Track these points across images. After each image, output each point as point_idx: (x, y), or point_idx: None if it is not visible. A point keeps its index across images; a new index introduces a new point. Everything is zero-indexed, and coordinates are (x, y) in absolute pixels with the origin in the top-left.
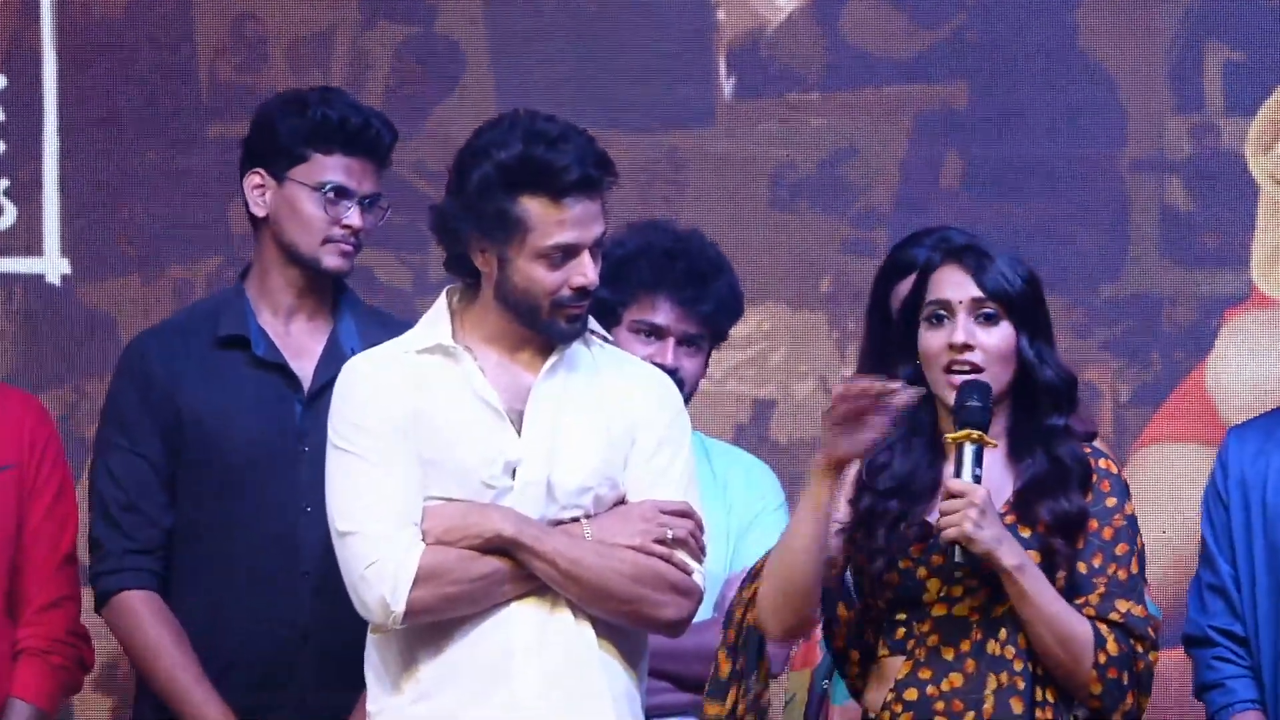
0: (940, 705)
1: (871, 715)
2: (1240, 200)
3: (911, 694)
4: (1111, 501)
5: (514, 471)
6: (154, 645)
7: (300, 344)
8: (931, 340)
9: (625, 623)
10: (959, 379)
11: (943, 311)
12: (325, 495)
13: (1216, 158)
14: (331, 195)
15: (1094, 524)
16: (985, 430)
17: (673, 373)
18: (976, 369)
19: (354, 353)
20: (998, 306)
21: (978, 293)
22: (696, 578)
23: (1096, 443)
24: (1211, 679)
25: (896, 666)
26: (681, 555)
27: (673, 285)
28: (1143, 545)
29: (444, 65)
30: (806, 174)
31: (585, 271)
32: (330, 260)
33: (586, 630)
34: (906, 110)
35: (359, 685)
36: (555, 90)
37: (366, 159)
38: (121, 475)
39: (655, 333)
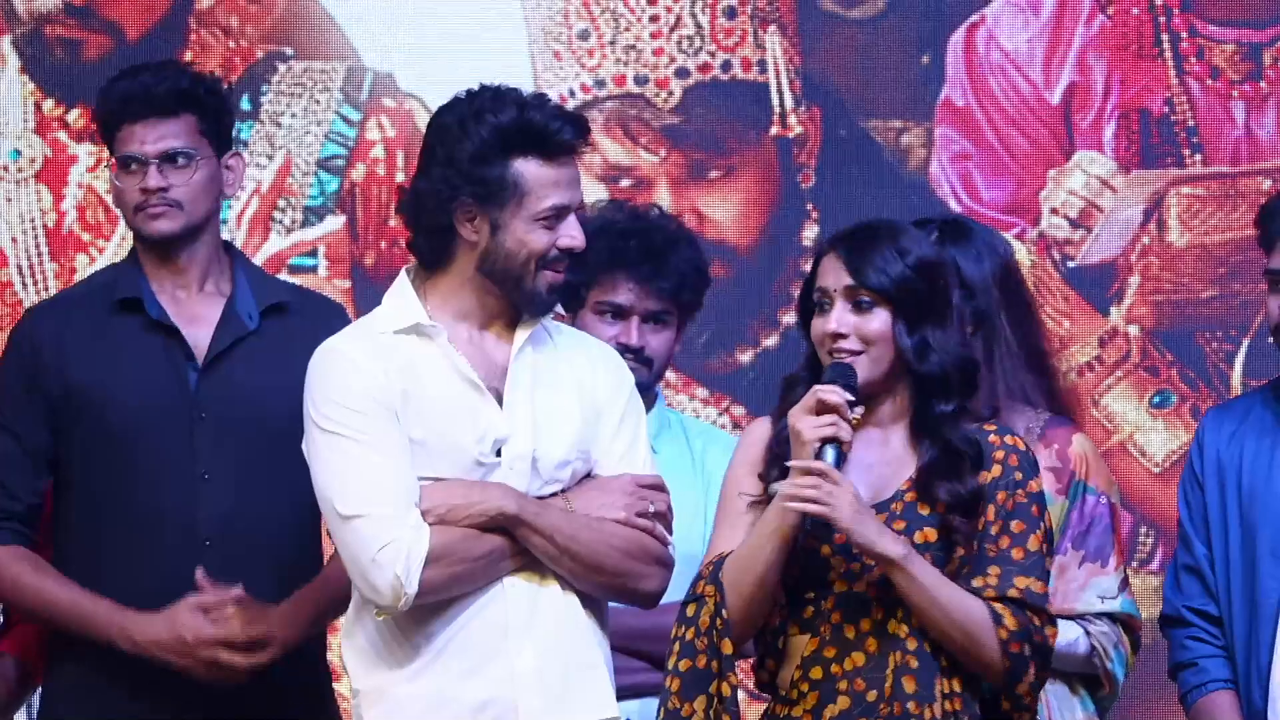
0: (844, 685)
1: (782, 693)
2: None
3: (817, 672)
4: (1018, 476)
5: (499, 449)
6: (38, 584)
7: (195, 311)
8: (816, 326)
9: (608, 595)
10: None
11: (824, 299)
12: (314, 479)
13: None
14: (123, 165)
15: (1001, 495)
16: (855, 394)
17: (638, 351)
18: (855, 354)
19: (250, 318)
20: (871, 295)
21: (850, 281)
22: (670, 550)
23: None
24: (1185, 658)
25: (804, 644)
26: (660, 529)
27: (630, 263)
28: (1050, 524)
29: None
30: None
31: (573, 233)
32: (144, 226)
33: (574, 602)
34: None
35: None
36: None
37: (151, 117)
38: None
39: (618, 313)
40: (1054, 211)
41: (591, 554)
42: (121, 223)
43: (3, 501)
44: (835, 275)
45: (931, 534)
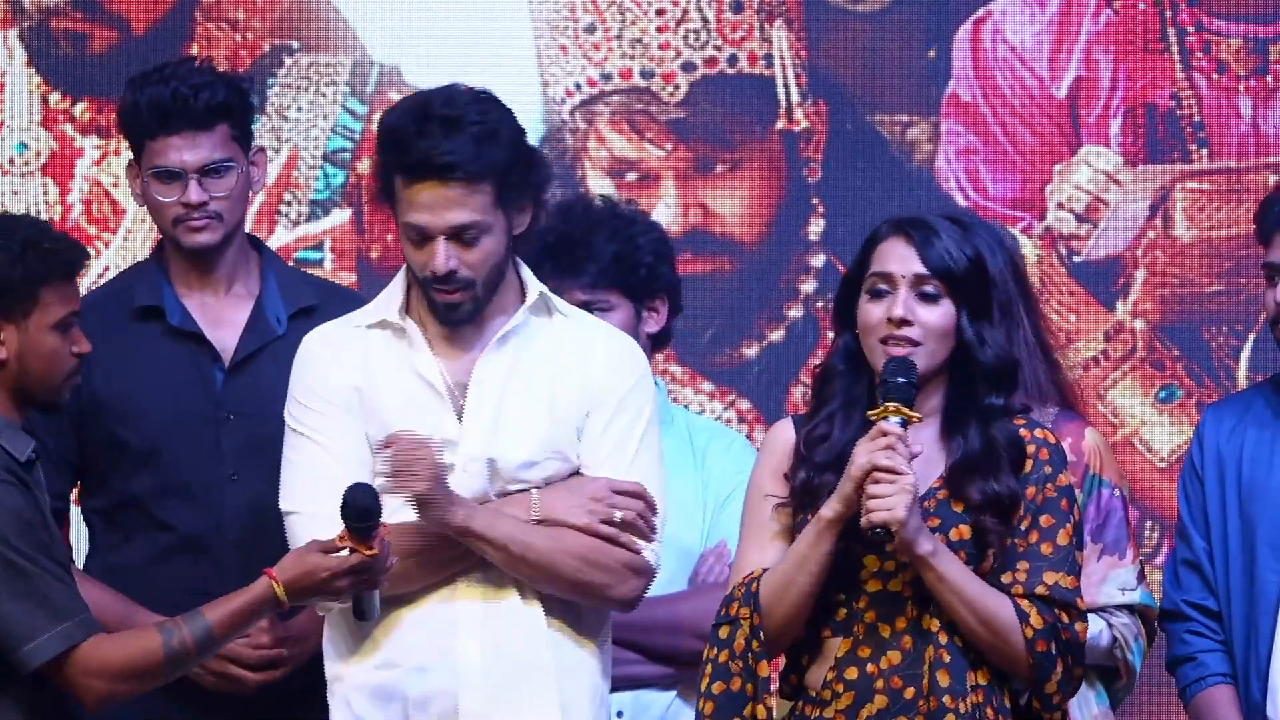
0: (880, 684)
1: (812, 694)
2: None
3: (852, 672)
4: (1048, 470)
5: (455, 450)
6: None
7: (222, 315)
8: (871, 312)
9: (577, 601)
10: (895, 351)
11: (884, 285)
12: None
13: None
14: (160, 178)
15: (1030, 490)
16: (910, 407)
17: None
18: (913, 344)
19: (278, 322)
20: (939, 284)
21: (920, 268)
22: (647, 555)
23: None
24: (1184, 653)
25: (837, 646)
26: (628, 536)
27: (552, 259)
28: (1079, 518)
29: None
30: None
31: (431, 259)
32: (185, 239)
33: (534, 606)
34: None
35: None
36: None
37: (188, 130)
38: None
39: None
40: (1060, 206)
41: (548, 562)
42: (127, 216)
43: None
44: (902, 261)
45: (965, 531)
